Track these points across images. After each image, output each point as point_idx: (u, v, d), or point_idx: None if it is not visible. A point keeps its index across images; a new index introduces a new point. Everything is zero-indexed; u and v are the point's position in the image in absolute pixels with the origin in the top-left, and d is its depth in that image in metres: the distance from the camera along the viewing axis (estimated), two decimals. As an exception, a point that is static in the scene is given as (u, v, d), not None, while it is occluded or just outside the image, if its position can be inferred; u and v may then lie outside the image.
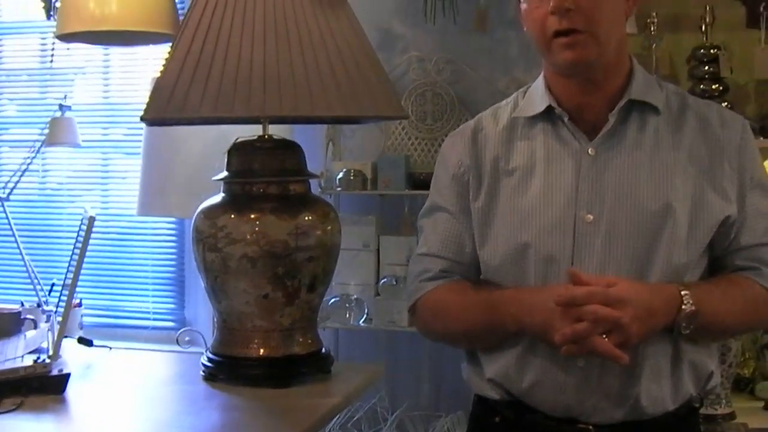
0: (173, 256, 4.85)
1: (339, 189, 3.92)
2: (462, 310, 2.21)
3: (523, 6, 2.12)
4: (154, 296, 4.87)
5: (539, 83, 2.23)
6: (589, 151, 2.10)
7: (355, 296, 3.93)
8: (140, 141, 3.90)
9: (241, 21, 2.36)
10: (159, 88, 2.39)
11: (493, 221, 2.18)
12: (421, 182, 3.85)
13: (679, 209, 2.05)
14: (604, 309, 1.91)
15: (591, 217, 2.07)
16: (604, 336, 1.93)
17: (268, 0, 2.39)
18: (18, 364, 2.46)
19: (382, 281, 3.92)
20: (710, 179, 2.09)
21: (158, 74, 2.45)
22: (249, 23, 2.36)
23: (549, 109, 2.17)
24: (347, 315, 3.91)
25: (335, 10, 2.45)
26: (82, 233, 2.72)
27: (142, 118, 2.44)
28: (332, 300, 3.87)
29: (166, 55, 2.46)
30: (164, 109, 2.36)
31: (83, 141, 4.55)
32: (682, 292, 1.99)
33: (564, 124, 2.15)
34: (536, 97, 2.21)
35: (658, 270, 2.04)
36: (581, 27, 2.01)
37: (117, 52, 4.86)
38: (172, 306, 4.85)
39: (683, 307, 1.98)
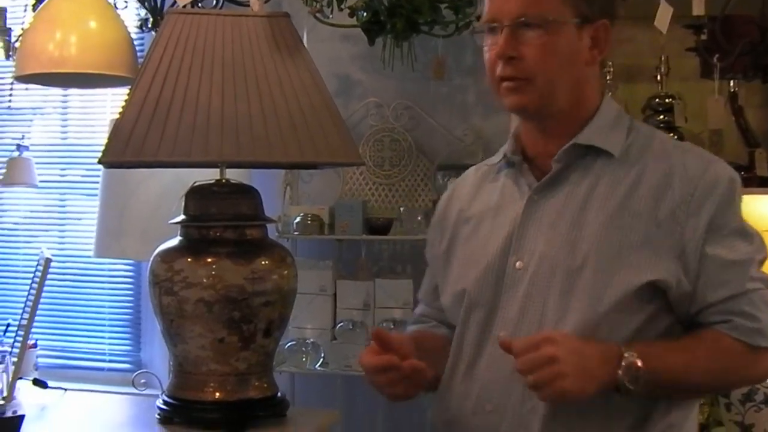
0: (130, 298, 4.81)
1: (296, 233, 3.91)
2: None
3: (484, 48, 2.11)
4: (110, 338, 4.82)
5: (516, 129, 2.20)
6: (533, 198, 2.07)
7: (312, 340, 3.91)
8: (98, 182, 3.89)
9: (200, 66, 2.38)
10: (117, 131, 2.40)
11: (449, 268, 2.21)
12: (378, 227, 3.86)
13: (595, 263, 1.95)
14: (535, 353, 1.81)
15: (521, 263, 2.03)
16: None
17: (226, 46, 2.41)
18: (-29, 406, 2.45)
19: (339, 325, 3.91)
20: (645, 237, 1.95)
21: (117, 117, 2.46)
22: (207, 69, 2.38)
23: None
24: (303, 359, 3.89)
25: (294, 57, 2.47)
26: (38, 274, 2.72)
27: (100, 161, 2.45)
28: (288, 344, 3.85)
29: (125, 98, 2.47)
30: (122, 153, 2.37)
31: (41, 181, 4.53)
32: (622, 348, 1.86)
33: (521, 170, 2.12)
34: (507, 144, 2.20)
35: (575, 319, 1.94)
36: (521, 75, 1.98)
37: (76, 93, 4.82)
38: (128, 348, 4.80)
39: (625, 356, 1.84)
